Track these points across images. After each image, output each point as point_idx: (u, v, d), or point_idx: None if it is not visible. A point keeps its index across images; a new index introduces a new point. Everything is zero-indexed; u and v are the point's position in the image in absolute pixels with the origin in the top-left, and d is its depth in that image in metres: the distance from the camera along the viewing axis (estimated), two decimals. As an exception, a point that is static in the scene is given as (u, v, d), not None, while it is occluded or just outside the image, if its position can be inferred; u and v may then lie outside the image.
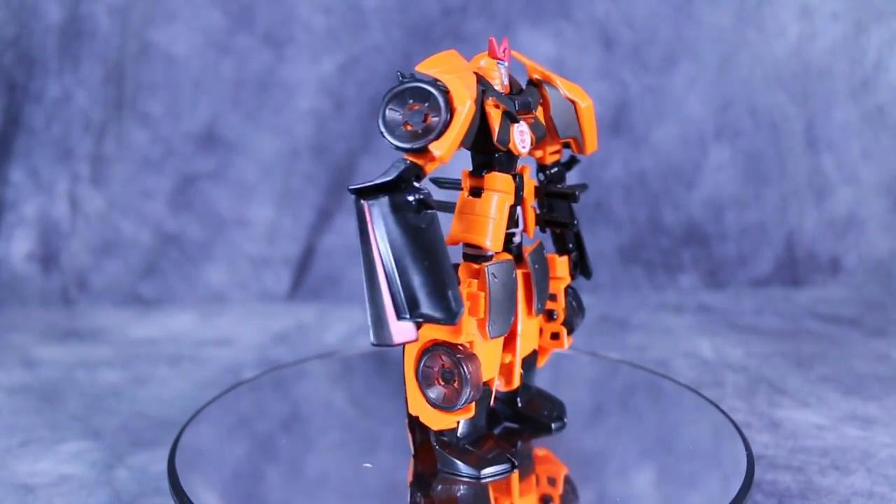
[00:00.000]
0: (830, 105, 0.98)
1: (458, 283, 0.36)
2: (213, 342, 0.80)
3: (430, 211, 0.36)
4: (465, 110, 0.36)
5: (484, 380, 0.41)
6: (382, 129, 0.37)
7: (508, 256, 0.42)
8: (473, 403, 0.40)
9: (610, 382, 0.59)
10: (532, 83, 0.45)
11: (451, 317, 0.35)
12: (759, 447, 0.52)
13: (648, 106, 0.97)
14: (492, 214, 0.40)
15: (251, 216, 0.97)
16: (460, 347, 0.39)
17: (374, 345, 0.36)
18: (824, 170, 0.98)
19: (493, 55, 0.41)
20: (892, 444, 0.52)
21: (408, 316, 0.36)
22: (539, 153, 0.46)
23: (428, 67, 0.38)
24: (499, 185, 0.41)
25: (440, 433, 0.42)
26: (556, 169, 0.47)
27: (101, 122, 0.95)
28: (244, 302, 0.97)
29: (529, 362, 0.47)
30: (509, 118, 0.40)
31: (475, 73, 0.40)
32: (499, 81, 0.41)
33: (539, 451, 0.46)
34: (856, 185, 0.99)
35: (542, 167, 0.47)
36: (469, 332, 0.39)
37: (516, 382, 0.46)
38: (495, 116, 0.39)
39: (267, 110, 0.96)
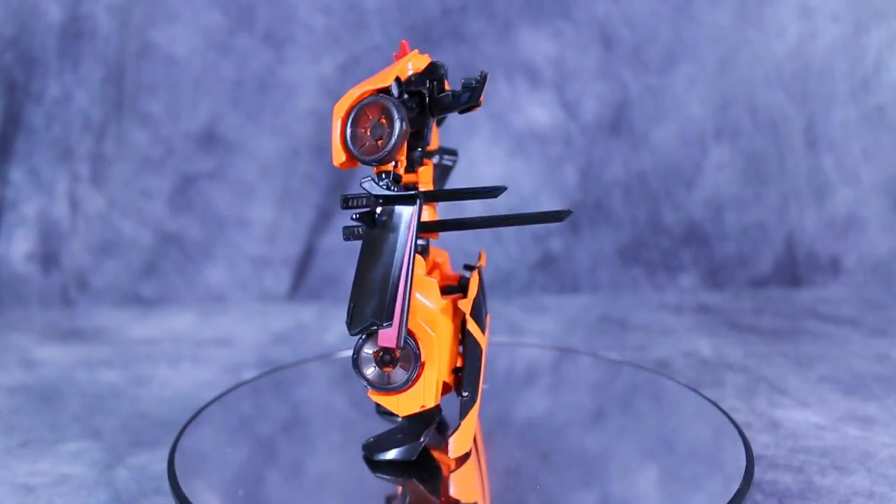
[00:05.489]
0: (830, 105, 0.98)
1: None
2: (213, 342, 0.80)
3: None
4: None
5: None
6: None
7: None
8: None
9: (610, 383, 0.59)
10: None
11: None
12: (759, 447, 0.52)
13: (648, 106, 0.97)
14: None
15: (251, 216, 0.97)
16: None
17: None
18: (824, 170, 0.98)
19: None
20: (892, 444, 0.52)
21: None
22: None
23: None
24: None
25: None
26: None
27: (101, 122, 0.95)
28: (244, 302, 0.97)
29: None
30: None
31: None
32: None
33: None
34: (856, 185, 0.99)
35: None
36: None
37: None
38: None
39: (267, 110, 0.96)
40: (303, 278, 0.98)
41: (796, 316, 0.86)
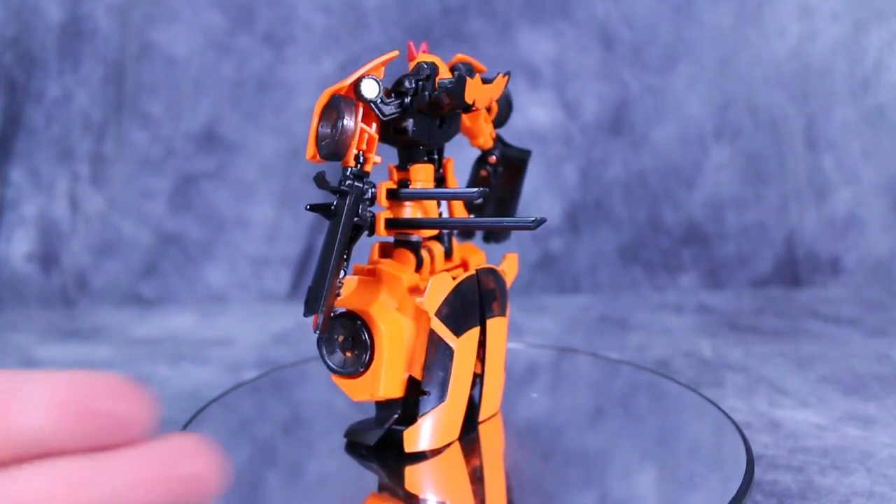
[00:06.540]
0: (830, 105, 0.98)
1: None
2: (213, 342, 0.80)
3: None
4: None
5: None
6: None
7: None
8: None
9: (610, 383, 0.59)
10: None
11: None
12: (759, 447, 0.51)
13: (648, 106, 0.97)
14: None
15: (251, 216, 0.97)
16: None
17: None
18: (824, 170, 0.98)
19: None
20: (892, 444, 0.52)
21: None
22: None
23: None
24: None
25: None
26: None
27: (101, 122, 0.95)
28: (244, 302, 0.97)
29: None
30: None
31: None
32: None
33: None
34: (856, 185, 0.99)
35: None
36: None
37: None
38: None
39: (267, 110, 0.96)
40: (303, 278, 0.98)
41: (796, 316, 0.86)
